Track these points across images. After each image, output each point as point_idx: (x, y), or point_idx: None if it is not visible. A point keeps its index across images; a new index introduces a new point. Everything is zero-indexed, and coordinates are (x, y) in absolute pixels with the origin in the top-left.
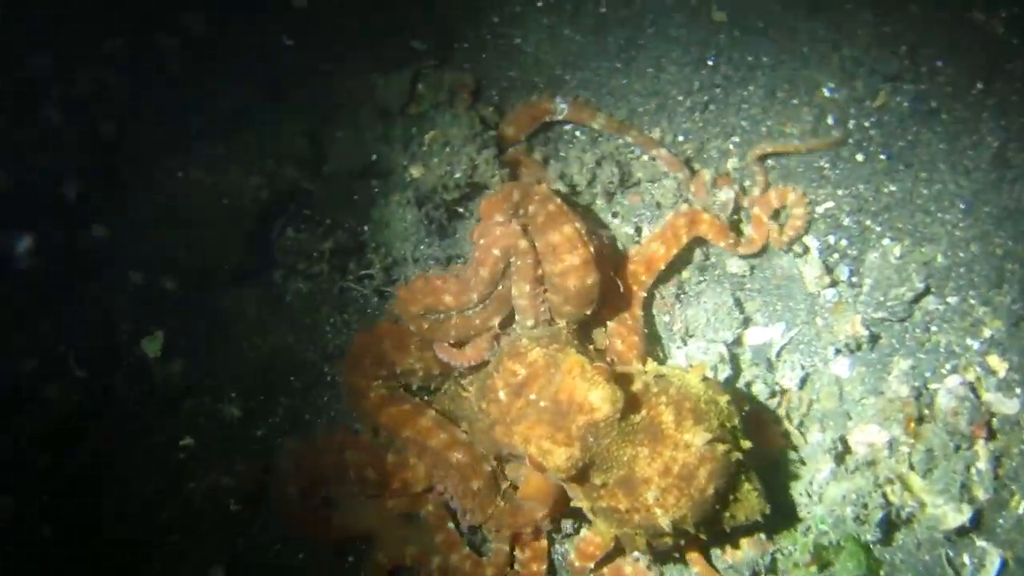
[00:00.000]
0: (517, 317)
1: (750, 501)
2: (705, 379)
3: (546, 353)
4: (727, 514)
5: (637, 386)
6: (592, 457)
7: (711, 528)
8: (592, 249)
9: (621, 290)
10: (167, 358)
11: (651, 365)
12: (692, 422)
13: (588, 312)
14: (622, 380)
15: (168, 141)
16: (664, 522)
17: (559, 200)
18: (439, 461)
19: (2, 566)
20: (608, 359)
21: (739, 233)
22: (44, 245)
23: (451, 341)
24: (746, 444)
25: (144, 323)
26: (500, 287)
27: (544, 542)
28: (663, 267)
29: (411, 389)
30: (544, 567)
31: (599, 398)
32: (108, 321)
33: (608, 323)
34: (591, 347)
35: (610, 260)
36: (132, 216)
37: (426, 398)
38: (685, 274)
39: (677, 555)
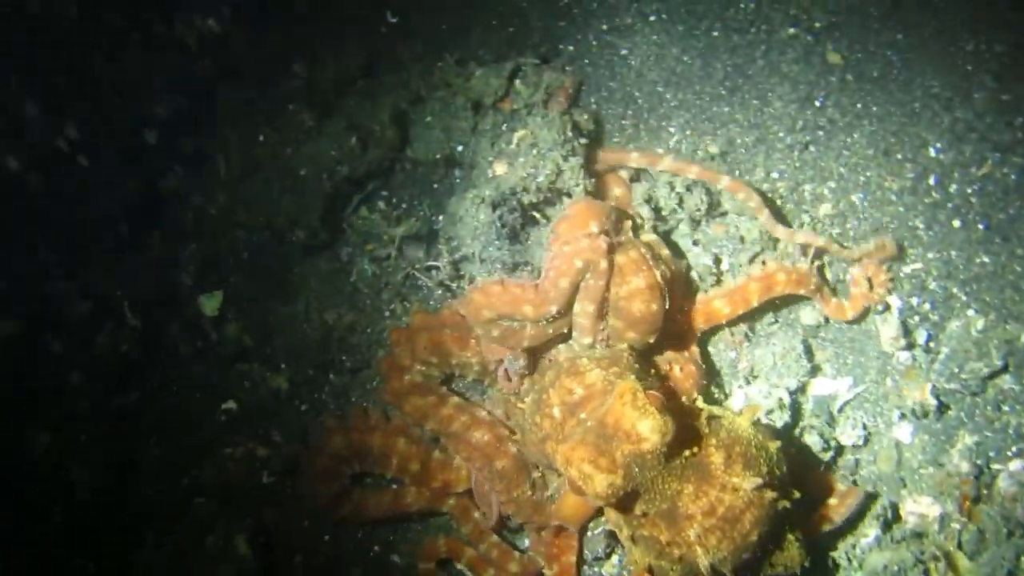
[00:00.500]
0: (575, 333)
1: (791, 552)
2: (756, 424)
3: (605, 377)
4: (766, 562)
5: (688, 422)
6: (635, 487)
7: (748, 574)
8: (658, 274)
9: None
10: (223, 319)
11: (702, 405)
12: (741, 466)
13: (651, 340)
14: (674, 413)
15: (258, 102)
16: (703, 563)
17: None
18: (461, 445)
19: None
20: (667, 385)
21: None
22: (119, 186)
23: (524, 347)
24: (795, 494)
25: (206, 280)
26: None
27: (572, 558)
28: (723, 323)
29: (449, 382)
30: None
31: (648, 428)
32: (170, 273)
33: (667, 351)
34: (653, 372)
35: (678, 292)
36: (209, 171)
37: (483, 396)
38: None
39: None
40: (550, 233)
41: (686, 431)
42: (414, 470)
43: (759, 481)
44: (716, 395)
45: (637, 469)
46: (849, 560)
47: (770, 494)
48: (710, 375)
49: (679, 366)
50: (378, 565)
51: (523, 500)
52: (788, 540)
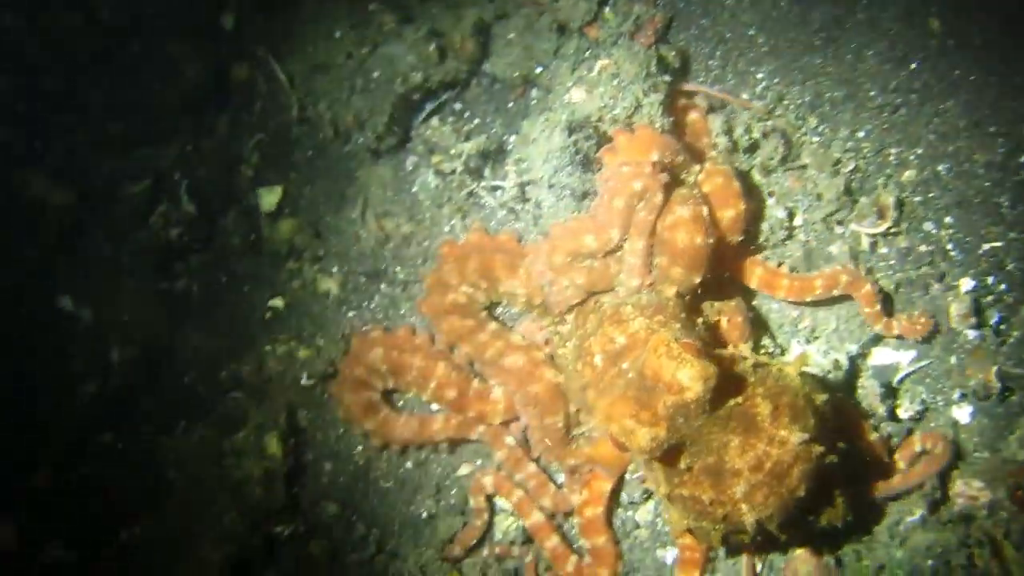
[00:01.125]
0: (622, 276)
1: (837, 507)
2: (803, 374)
3: (648, 326)
4: (811, 517)
5: (733, 370)
6: (680, 439)
7: (792, 531)
8: (705, 210)
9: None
10: (279, 214)
11: (747, 350)
12: (788, 419)
13: (696, 280)
14: (718, 361)
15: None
16: (749, 520)
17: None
18: (496, 370)
19: None
20: (714, 334)
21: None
22: (190, 67)
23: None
24: (841, 446)
25: (266, 174)
26: None
27: (606, 485)
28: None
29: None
30: (599, 511)
31: (689, 377)
32: (231, 162)
33: (716, 302)
34: (700, 321)
35: (735, 232)
36: (283, 62)
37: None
38: None
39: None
40: (607, 145)
41: (731, 380)
42: (450, 397)
43: (805, 435)
44: (772, 350)
45: (681, 420)
46: (891, 537)
47: (818, 448)
48: (765, 329)
49: (726, 316)
50: (409, 481)
51: (552, 429)
52: (835, 495)
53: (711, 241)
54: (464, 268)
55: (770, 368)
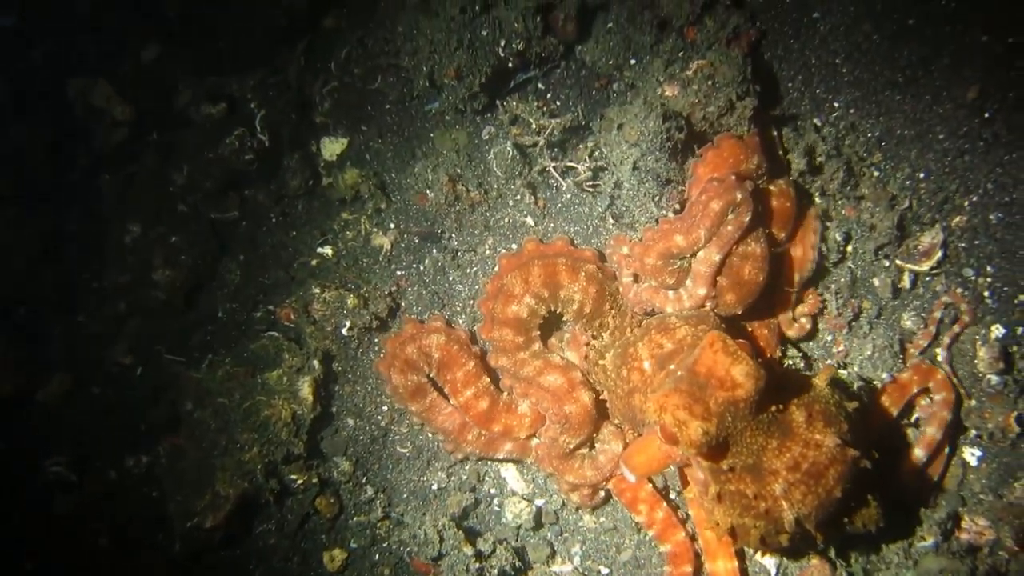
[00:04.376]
0: (688, 283)
1: (871, 511)
2: (831, 385)
3: (694, 333)
4: (846, 519)
5: (772, 377)
6: (726, 437)
7: (829, 532)
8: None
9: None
10: (340, 164)
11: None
12: (823, 423)
13: (739, 311)
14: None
15: None
16: (788, 517)
17: None
18: (532, 388)
19: None
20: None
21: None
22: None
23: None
24: (875, 455)
25: (339, 119)
26: None
27: (647, 486)
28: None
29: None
30: (663, 508)
31: (743, 374)
32: (304, 103)
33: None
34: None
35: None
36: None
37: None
38: (866, 304)
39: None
40: (708, 145)
41: (769, 387)
42: (481, 408)
43: (838, 439)
44: (802, 369)
45: (730, 418)
46: (905, 556)
47: (852, 452)
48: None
49: (753, 329)
50: (426, 450)
51: (561, 447)
52: (868, 499)
53: (766, 283)
54: (528, 275)
55: (801, 379)
